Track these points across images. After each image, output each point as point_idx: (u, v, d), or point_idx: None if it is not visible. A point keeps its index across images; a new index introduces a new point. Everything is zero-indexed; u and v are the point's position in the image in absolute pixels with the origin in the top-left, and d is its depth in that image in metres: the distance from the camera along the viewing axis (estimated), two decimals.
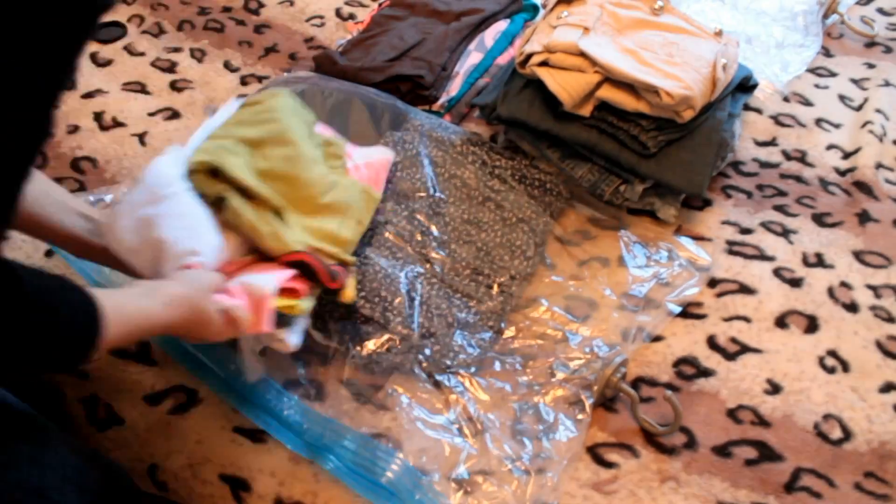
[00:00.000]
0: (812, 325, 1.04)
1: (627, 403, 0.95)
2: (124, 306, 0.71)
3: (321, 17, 1.55)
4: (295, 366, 0.97)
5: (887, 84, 1.39)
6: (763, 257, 1.12)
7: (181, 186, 0.88)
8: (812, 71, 1.43)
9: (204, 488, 0.88)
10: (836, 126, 1.32)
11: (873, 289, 1.08)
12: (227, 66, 1.44)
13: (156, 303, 0.75)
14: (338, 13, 1.56)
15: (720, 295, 1.07)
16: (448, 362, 0.97)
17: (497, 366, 0.98)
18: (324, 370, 0.98)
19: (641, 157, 1.13)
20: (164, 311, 0.75)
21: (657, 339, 1.02)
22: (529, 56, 1.15)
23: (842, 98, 1.37)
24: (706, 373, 0.99)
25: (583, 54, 1.12)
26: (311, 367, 0.98)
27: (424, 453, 0.90)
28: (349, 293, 0.94)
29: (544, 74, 1.13)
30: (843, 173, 1.24)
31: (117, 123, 1.33)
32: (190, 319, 0.78)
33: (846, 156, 1.27)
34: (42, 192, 0.84)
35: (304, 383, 0.96)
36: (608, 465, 0.90)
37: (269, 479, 0.88)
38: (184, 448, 0.91)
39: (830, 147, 1.28)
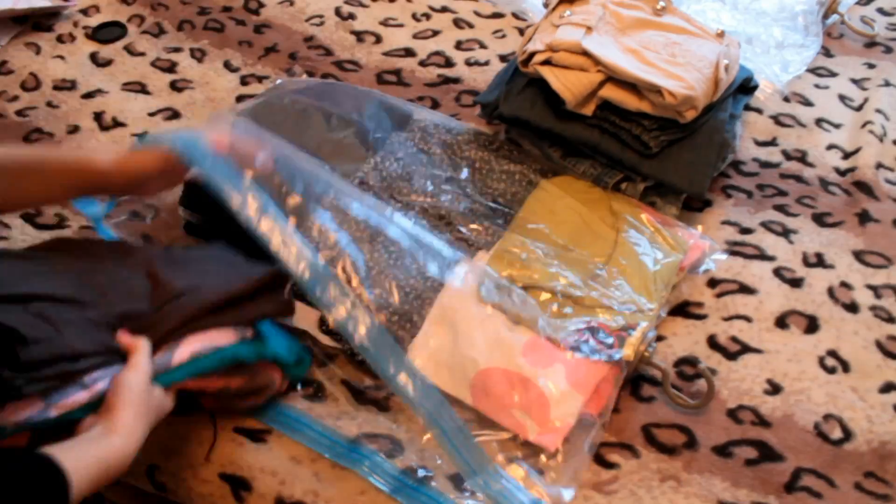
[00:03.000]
0: (812, 325, 1.04)
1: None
2: (86, 460, 0.70)
3: (321, 16, 1.55)
4: None
5: (887, 84, 1.39)
6: (763, 257, 1.12)
7: None
8: (812, 71, 1.43)
9: (204, 488, 0.88)
10: (837, 126, 1.32)
11: (873, 289, 1.08)
12: (227, 65, 1.44)
13: (112, 441, 0.73)
14: (337, 13, 1.56)
15: (720, 295, 1.07)
16: None
17: None
18: (324, 370, 0.98)
19: (643, 156, 1.13)
20: (125, 443, 0.74)
21: (658, 339, 1.02)
22: (532, 55, 1.15)
23: (842, 98, 1.37)
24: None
25: (586, 53, 1.12)
26: (311, 367, 0.98)
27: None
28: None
29: (547, 73, 1.13)
30: (843, 173, 1.24)
31: (117, 123, 1.33)
32: (151, 424, 0.78)
33: (846, 156, 1.27)
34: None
35: (304, 384, 0.96)
36: (609, 465, 0.90)
37: (270, 479, 0.88)
38: (184, 448, 0.91)
39: (831, 147, 1.29)
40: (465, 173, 1.16)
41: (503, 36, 1.51)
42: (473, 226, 1.09)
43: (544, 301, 0.99)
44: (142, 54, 1.47)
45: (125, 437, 0.74)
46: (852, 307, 1.06)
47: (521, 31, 1.52)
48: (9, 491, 0.62)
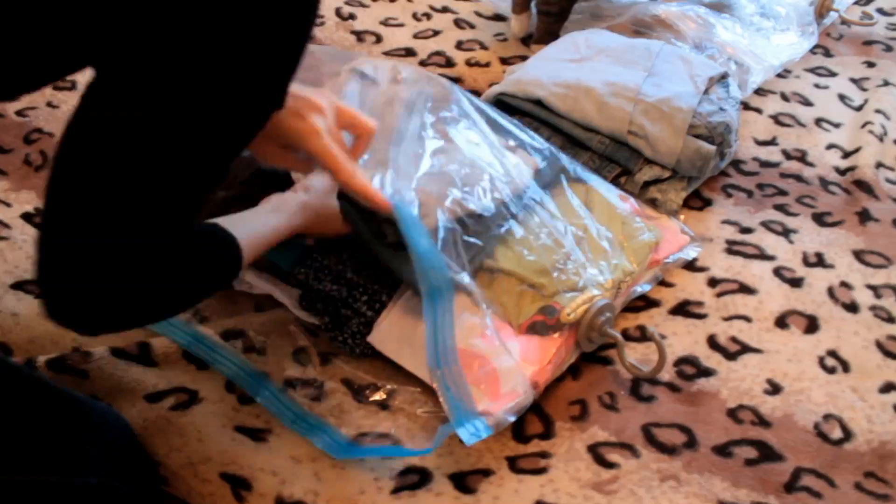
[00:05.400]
0: (812, 325, 1.04)
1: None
2: (255, 229, 0.85)
3: (321, 16, 1.55)
4: (294, 365, 0.97)
5: (887, 84, 1.39)
6: (763, 257, 1.12)
7: None
8: (812, 70, 1.43)
9: (204, 487, 0.88)
10: (836, 126, 1.32)
11: (873, 289, 1.08)
12: None
13: (282, 217, 0.89)
14: (338, 13, 1.56)
15: (720, 295, 1.07)
16: None
17: None
18: (323, 370, 0.98)
19: None
20: (290, 221, 0.89)
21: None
22: None
23: (842, 98, 1.38)
24: (707, 372, 0.99)
25: None
26: (311, 366, 0.98)
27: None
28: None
29: None
30: (843, 172, 1.24)
31: None
32: (315, 221, 0.92)
33: (846, 155, 1.27)
34: None
35: (303, 383, 0.96)
36: (609, 465, 0.90)
37: (271, 478, 0.88)
38: (184, 446, 0.91)
39: (830, 146, 1.29)
40: None
41: (504, 40, 1.51)
42: None
43: (510, 285, 0.99)
44: None
45: (288, 218, 0.89)
46: (852, 307, 1.06)
47: None
48: (197, 255, 0.76)
